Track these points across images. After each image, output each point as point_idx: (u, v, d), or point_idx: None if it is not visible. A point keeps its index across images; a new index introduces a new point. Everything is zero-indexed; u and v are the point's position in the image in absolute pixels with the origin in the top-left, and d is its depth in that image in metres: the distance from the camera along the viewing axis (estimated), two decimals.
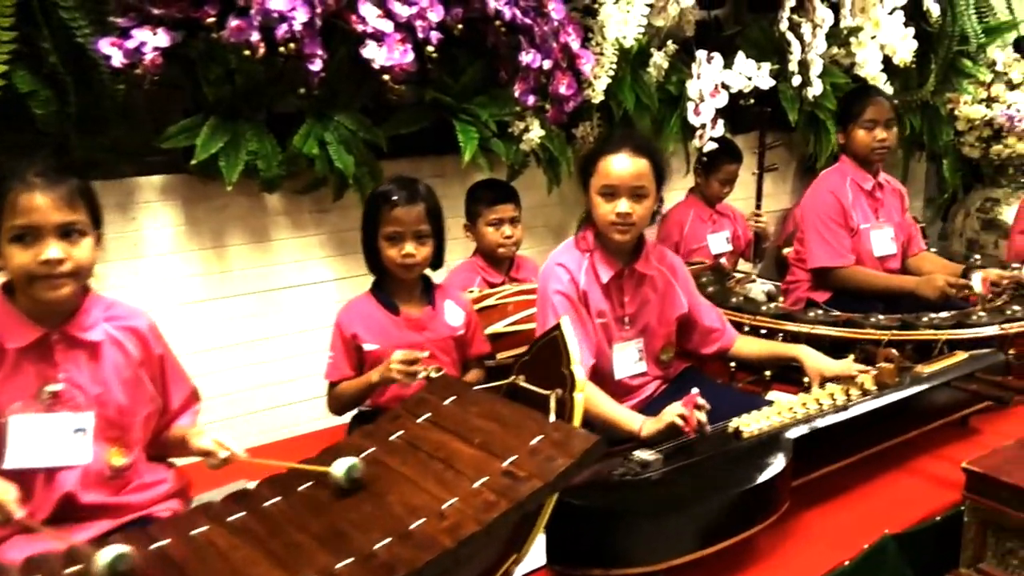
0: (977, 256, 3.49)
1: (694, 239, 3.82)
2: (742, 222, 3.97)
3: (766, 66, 3.95)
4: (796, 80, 4.02)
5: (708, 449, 1.92)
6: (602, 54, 3.37)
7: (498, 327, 2.57)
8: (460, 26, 2.91)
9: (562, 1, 3.13)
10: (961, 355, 2.46)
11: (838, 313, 2.81)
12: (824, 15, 4.00)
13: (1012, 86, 4.66)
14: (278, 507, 1.44)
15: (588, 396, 2.05)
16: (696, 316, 2.40)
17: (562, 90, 3.11)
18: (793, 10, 4.03)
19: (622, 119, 3.64)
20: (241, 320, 3.04)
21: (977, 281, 2.78)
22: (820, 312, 2.76)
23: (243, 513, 1.42)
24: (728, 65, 3.87)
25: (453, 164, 3.24)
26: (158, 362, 1.73)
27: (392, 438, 1.56)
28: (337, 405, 2.20)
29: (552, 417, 1.45)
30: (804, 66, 4.06)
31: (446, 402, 1.60)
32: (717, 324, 2.43)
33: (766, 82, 3.91)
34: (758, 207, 3.91)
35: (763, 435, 1.98)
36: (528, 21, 3.03)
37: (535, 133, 3.27)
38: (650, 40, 3.68)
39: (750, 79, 3.89)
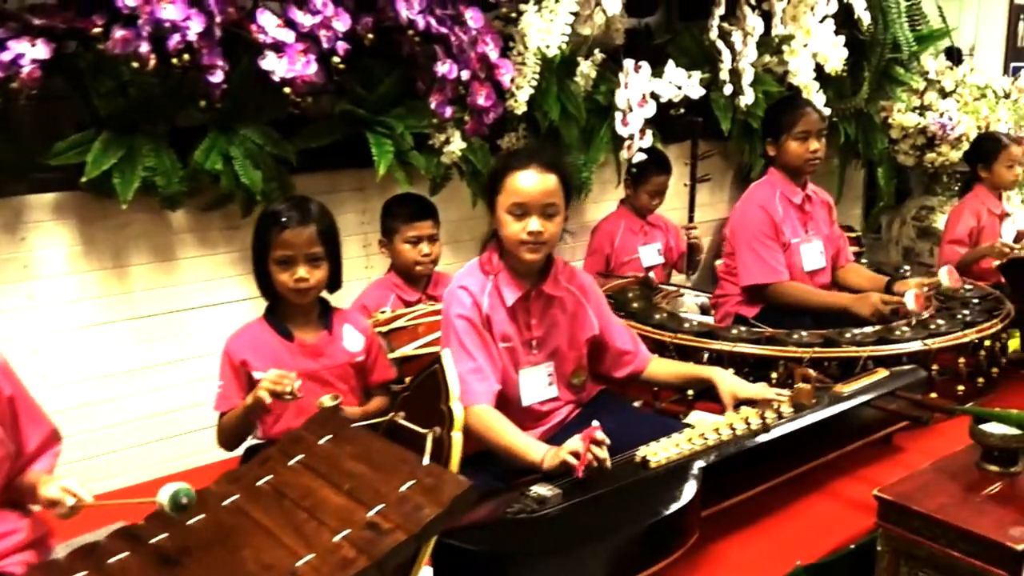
0: (907, 268, 3.45)
1: (625, 251, 3.74)
2: (675, 233, 3.90)
3: (697, 75, 3.90)
4: (728, 89, 3.97)
5: (613, 481, 1.83)
6: (524, 64, 3.28)
7: (407, 350, 2.46)
8: (371, 35, 2.80)
9: (481, 9, 3.03)
10: (882, 372, 2.40)
11: (762, 329, 2.74)
12: (754, 23, 3.95)
13: (944, 94, 4.66)
14: (123, 564, 1.32)
15: (489, 425, 1.97)
16: (607, 338, 2.31)
17: (480, 101, 3.01)
18: (723, 18, 3.99)
19: (548, 130, 3.55)
20: (145, 343, 2.90)
21: (910, 299, 2.71)
22: (743, 329, 2.68)
23: (84, 573, 1.30)
24: (658, 74, 3.81)
25: (373, 178, 3.13)
26: (7, 404, 1.60)
27: (260, 483, 1.44)
28: (223, 437, 2.07)
29: (427, 459, 1.34)
30: (736, 75, 4.01)
31: (322, 441, 1.49)
32: (629, 346, 2.34)
33: (696, 91, 3.85)
34: (691, 219, 3.85)
35: (671, 464, 1.89)
36: (444, 30, 2.92)
37: (456, 145, 3.17)
38: (577, 49, 3.61)
39: (680, 88, 3.82)
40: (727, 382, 2.18)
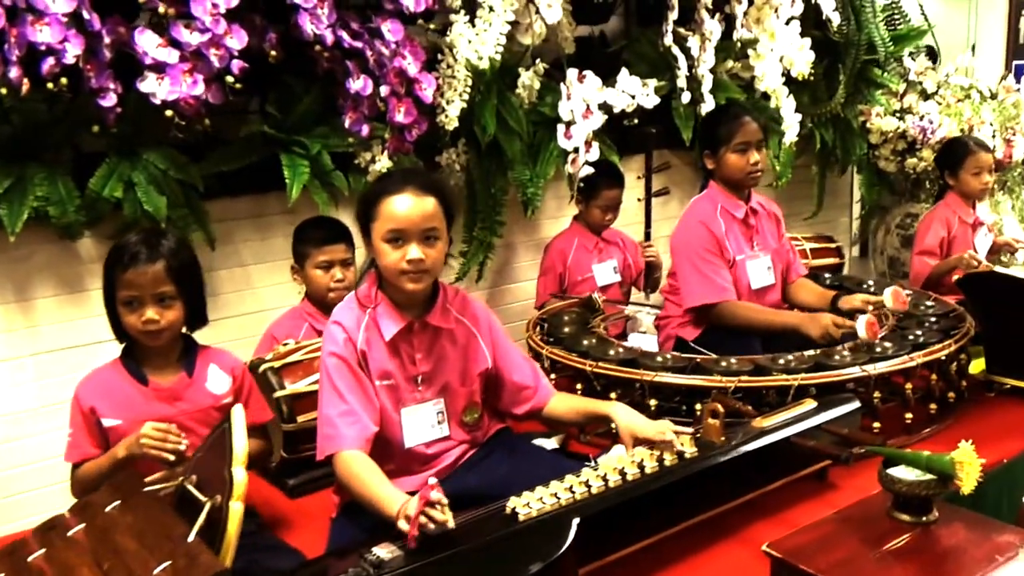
0: (870, 282, 3.24)
1: (579, 270, 3.57)
2: (633, 250, 3.72)
3: (652, 83, 3.72)
4: (686, 97, 3.78)
5: (474, 537, 1.66)
6: (453, 77, 3.13)
7: (299, 386, 2.31)
8: (274, 52, 2.66)
9: (400, 21, 2.88)
10: (808, 404, 2.20)
11: (694, 355, 2.55)
12: (712, 27, 3.77)
13: (926, 96, 4.44)
14: None
15: (353, 473, 1.81)
16: (504, 372, 2.14)
17: (399, 118, 2.85)
18: (680, 23, 3.81)
19: (489, 145, 3.40)
20: (52, 379, 2.77)
21: (861, 326, 2.50)
22: (668, 357, 2.50)
23: None
24: (611, 83, 3.64)
25: (304, 200, 2.99)
26: None
27: (31, 559, 1.30)
28: (81, 490, 1.92)
29: (193, 533, 1.19)
30: (694, 82, 3.83)
31: (108, 508, 1.35)
32: (529, 381, 2.17)
33: (651, 100, 3.67)
34: (648, 235, 3.67)
35: (543, 516, 1.72)
36: (359, 44, 2.78)
37: (382, 164, 3.02)
38: (519, 59, 3.45)
39: (634, 97, 3.65)
40: (624, 420, 2.00)
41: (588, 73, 3.45)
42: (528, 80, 3.41)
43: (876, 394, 2.40)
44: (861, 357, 2.45)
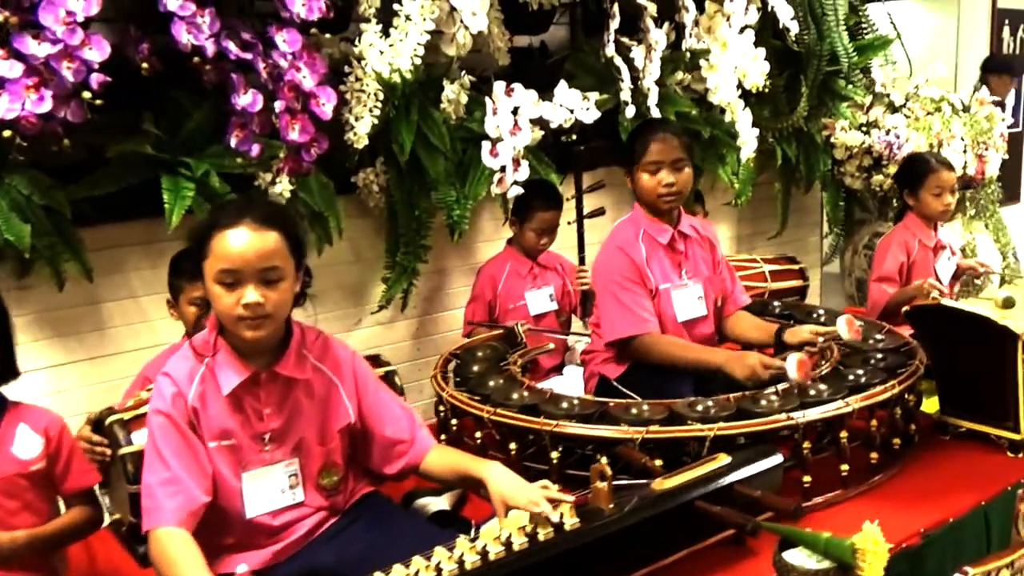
0: (821, 311, 2.98)
1: (510, 297, 3.31)
2: (572, 276, 3.46)
3: (594, 96, 3.47)
4: (630, 111, 3.53)
5: None
6: (363, 91, 2.89)
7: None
8: (146, 65, 2.42)
9: (300, 31, 2.63)
10: (722, 459, 1.94)
11: (605, 400, 2.28)
12: (657, 37, 3.52)
13: (894, 108, 4.19)
14: None
15: (165, 557, 1.56)
16: (372, 426, 1.88)
17: (293, 136, 2.60)
18: (625, 32, 3.57)
19: (410, 164, 3.15)
20: None
21: (791, 365, 2.24)
22: (576, 401, 2.23)
23: None
24: (549, 97, 3.39)
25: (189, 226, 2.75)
26: None
27: None
28: None
29: None
30: (641, 95, 3.58)
31: None
32: (404, 434, 1.90)
33: (591, 115, 3.42)
34: (581, 260, 3.41)
35: None
36: (248, 56, 2.53)
37: (282, 186, 2.77)
38: (444, 72, 3.20)
39: (572, 112, 3.40)
40: (495, 484, 1.74)
41: (517, 86, 3.19)
42: (453, 94, 3.16)
43: (806, 444, 2.14)
44: (791, 402, 2.19)
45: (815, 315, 3.00)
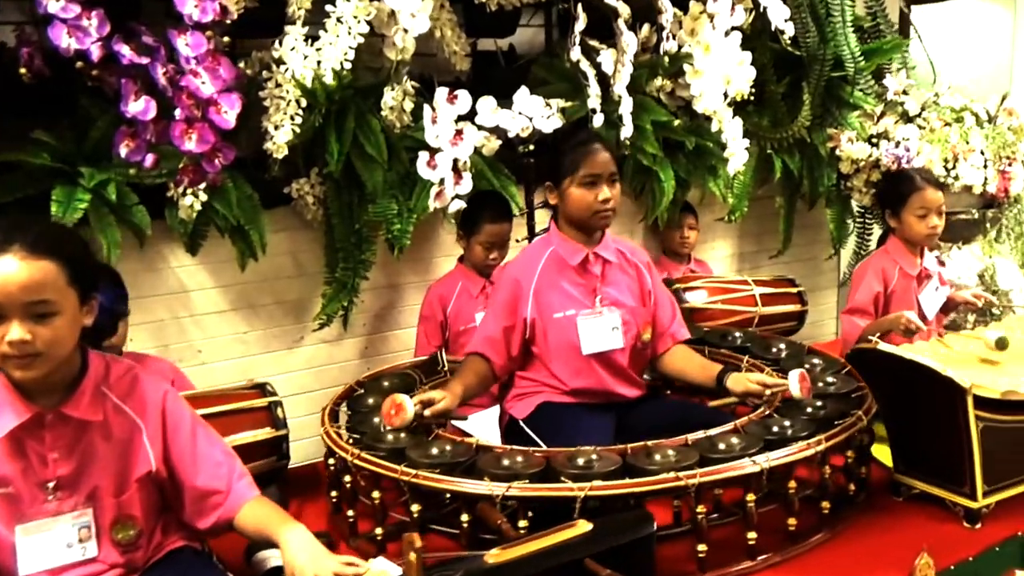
0: (781, 346, 2.68)
1: (461, 318, 3.09)
2: None
3: (557, 103, 3.24)
4: (598, 120, 3.27)
5: None
6: (282, 98, 2.71)
7: None
8: (24, 71, 2.29)
9: (202, 33, 2.46)
10: (582, 527, 1.69)
11: (491, 447, 2.05)
12: (629, 40, 3.25)
13: (908, 118, 3.81)
14: None
15: None
16: (182, 475, 1.70)
17: (189, 146, 2.44)
18: (596, 35, 3.31)
19: (348, 175, 2.97)
20: None
21: (795, 383, 2.09)
22: (447, 449, 2.00)
23: None
24: (507, 104, 3.16)
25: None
26: None
27: None
28: None
29: None
30: (612, 103, 3.32)
31: None
32: (220, 484, 1.71)
33: (551, 124, 3.17)
34: None
35: None
36: (143, 61, 2.38)
37: (192, 199, 2.62)
38: (389, 77, 3.00)
39: (531, 120, 3.17)
40: (288, 552, 1.53)
41: (461, 93, 2.97)
42: (394, 101, 2.96)
43: (700, 508, 1.87)
44: (689, 457, 1.92)
45: (775, 350, 2.71)
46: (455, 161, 2.96)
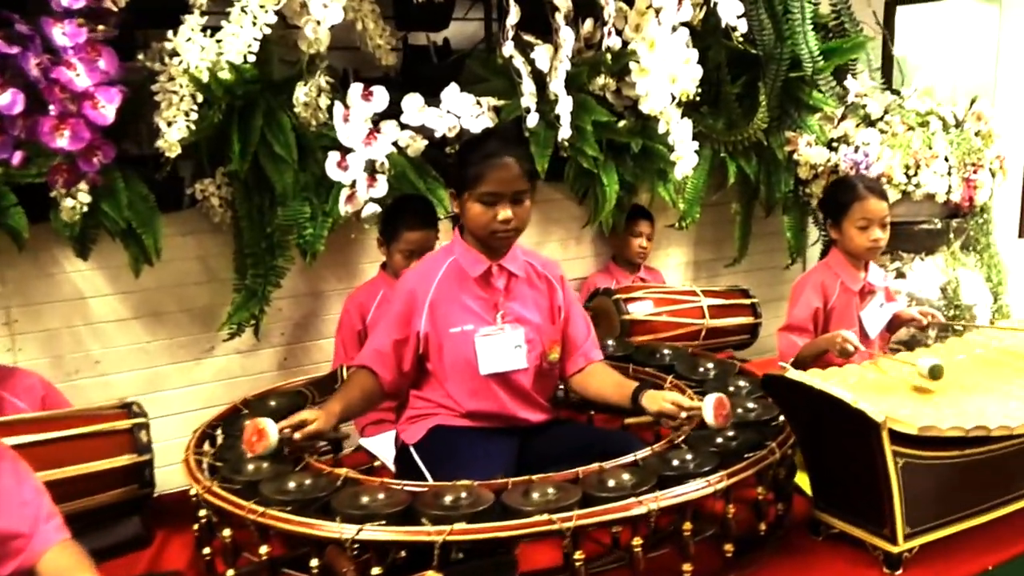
0: (709, 366, 2.48)
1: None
2: None
3: (488, 101, 3.06)
4: (533, 120, 3.09)
5: None
6: (175, 92, 2.53)
7: None
8: None
9: (78, 21, 2.28)
10: None
11: (359, 478, 1.86)
12: (566, 35, 3.06)
13: (870, 122, 3.62)
14: None
15: None
16: None
17: (61, 143, 2.25)
18: (535, 30, 3.12)
19: (257, 176, 2.79)
20: None
21: (708, 409, 1.95)
22: (307, 484, 1.80)
23: None
24: (435, 103, 2.99)
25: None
26: None
27: None
28: None
29: None
30: (549, 102, 3.13)
31: None
32: (24, 527, 1.52)
33: (480, 123, 3.00)
34: None
35: None
36: (13, 51, 2.20)
37: (78, 200, 2.44)
38: (304, 71, 2.81)
39: (459, 119, 2.98)
40: None
41: (377, 89, 2.78)
42: (306, 97, 2.77)
43: (578, 555, 1.68)
44: (570, 496, 1.73)
45: (702, 370, 2.52)
46: (370, 162, 2.78)
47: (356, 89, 2.76)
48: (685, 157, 3.35)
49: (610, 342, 2.79)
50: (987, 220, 3.59)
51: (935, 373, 2.06)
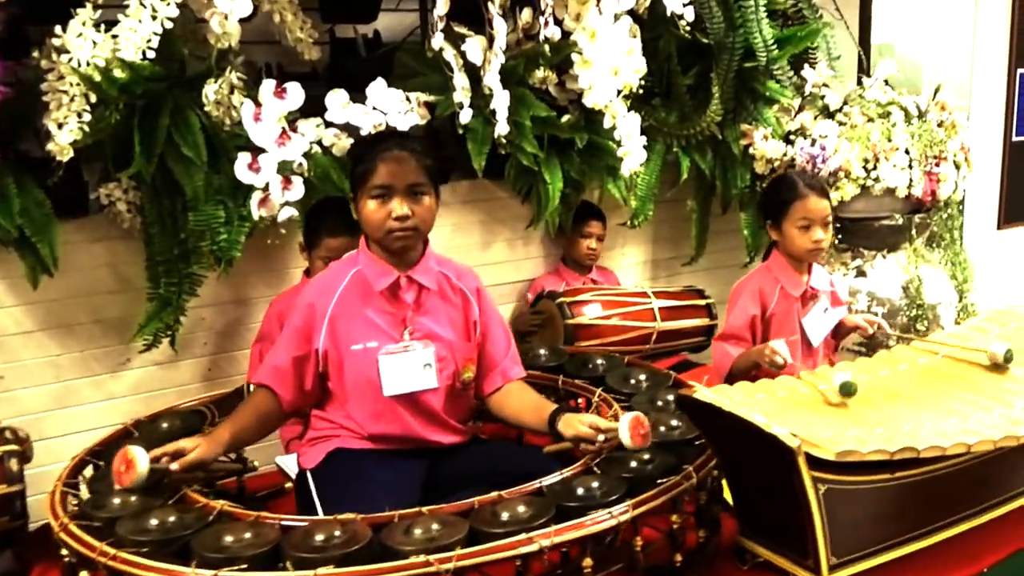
0: (643, 376, 2.33)
1: None
2: None
3: (418, 96, 2.90)
4: (466, 115, 2.92)
5: None
6: (65, 91, 2.36)
7: None
8: None
9: None
10: None
11: (234, 510, 1.71)
12: (499, 27, 2.89)
13: (829, 113, 3.46)
14: None
15: None
16: None
17: None
18: (462, 19, 2.96)
19: (167, 178, 2.63)
20: None
21: (624, 429, 1.82)
22: (173, 520, 1.65)
23: None
24: (362, 99, 2.83)
25: None
26: None
27: None
28: None
29: None
30: (484, 97, 2.97)
31: None
32: None
33: (408, 120, 2.84)
34: None
35: None
36: None
37: None
38: (215, 65, 2.65)
39: (386, 115, 2.82)
40: None
41: (292, 86, 2.62)
42: (216, 95, 2.61)
43: None
44: (455, 532, 1.58)
45: (634, 381, 2.37)
46: (285, 164, 2.62)
47: (268, 86, 2.60)
48: (633, 152, 3.19)
49: (542, 351, 2.63)
50: (952, 215, 3.42)
51: (846, 390, 1.90)
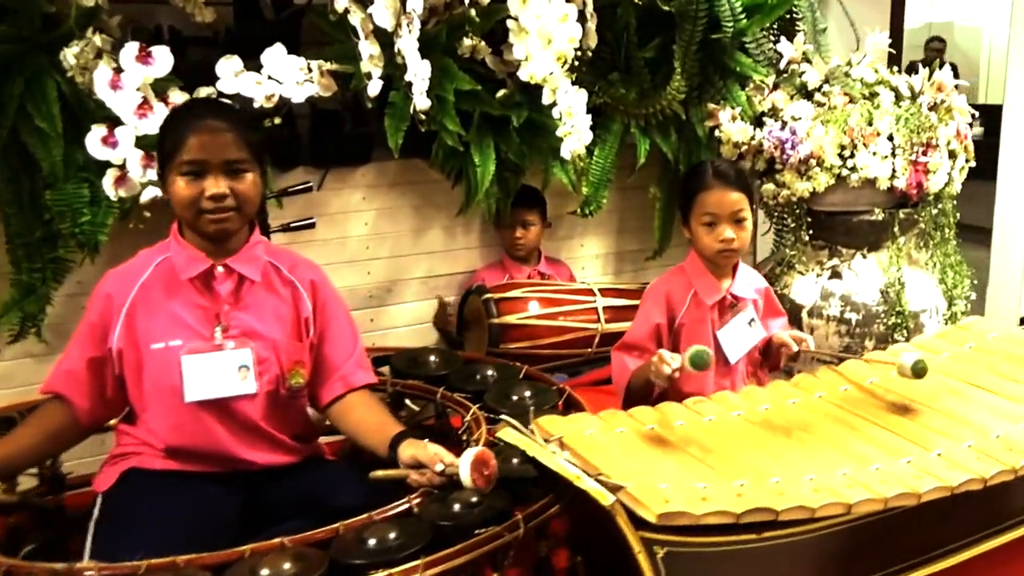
0: (522, 397, 1.99)
1: None
2: None
3: (320, 65, 2.59)
4: (374, 87, 2.60)
5: None
6: None
7: None
8: None
9: None
10: None
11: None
12: None
13: (806, 92, 3.05)
14: None
15: None
16: None
17: None
18: None
19: (20, 152, 2.36)
20: None
21: (465, 466, 1.50)
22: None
23: None
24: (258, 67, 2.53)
25: None
26: None
27: None
28: None
29: None
30: (399, 67, 2.65)
31: None
32: None
33: (302, 92, 2.53)
34: None
35: None
36: None
37: None
38: (74, 25, 2.36)
39: (281, 84, 2.52)
40: None
41: (159, 50, 2.32)
42: (75, 59, 2.33)
43: None
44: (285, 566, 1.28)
45: (479, 377, 2.06)
46: (148, 138, 2.33)
47: (131, 49, 2.30)
48: (575, 133, 2.83)
49: (432, 357, 2.31)
50: (945, 210, 2.99)
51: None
